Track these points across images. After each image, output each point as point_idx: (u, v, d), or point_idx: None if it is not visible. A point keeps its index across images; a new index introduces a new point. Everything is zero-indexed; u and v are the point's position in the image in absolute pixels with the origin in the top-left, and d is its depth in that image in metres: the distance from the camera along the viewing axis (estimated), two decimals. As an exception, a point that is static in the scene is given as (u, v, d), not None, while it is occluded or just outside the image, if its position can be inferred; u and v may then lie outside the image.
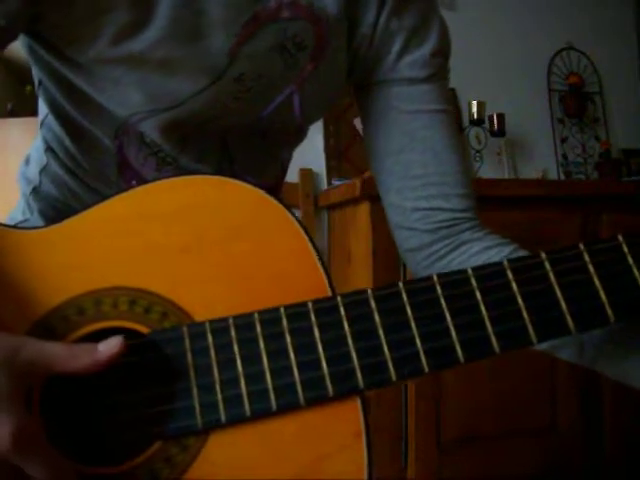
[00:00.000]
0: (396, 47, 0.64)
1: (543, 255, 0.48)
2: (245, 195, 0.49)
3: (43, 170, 0.67)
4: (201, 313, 0.46)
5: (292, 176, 1.99)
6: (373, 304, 0.46)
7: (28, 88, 2.18)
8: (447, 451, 1.61)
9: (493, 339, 0.45)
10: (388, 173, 0.68)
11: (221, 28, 0.54)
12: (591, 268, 0.48)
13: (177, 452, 0.43)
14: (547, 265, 0.48)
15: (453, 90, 2.24)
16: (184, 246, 0.47)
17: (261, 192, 0.49)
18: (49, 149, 0.65)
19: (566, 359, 0.58)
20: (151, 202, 0.48)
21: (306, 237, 0.48)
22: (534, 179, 2.15)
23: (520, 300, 0.46)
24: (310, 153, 2.05)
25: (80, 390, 0.45)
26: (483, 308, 0.46)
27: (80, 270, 0.46)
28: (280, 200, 0.77)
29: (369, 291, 0.46)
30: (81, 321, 0.45)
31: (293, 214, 0.49)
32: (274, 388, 0.43)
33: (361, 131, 2.36)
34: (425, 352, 0.45)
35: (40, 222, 0.67)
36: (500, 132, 2.17)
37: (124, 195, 0.49)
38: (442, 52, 0.67)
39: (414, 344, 0.45)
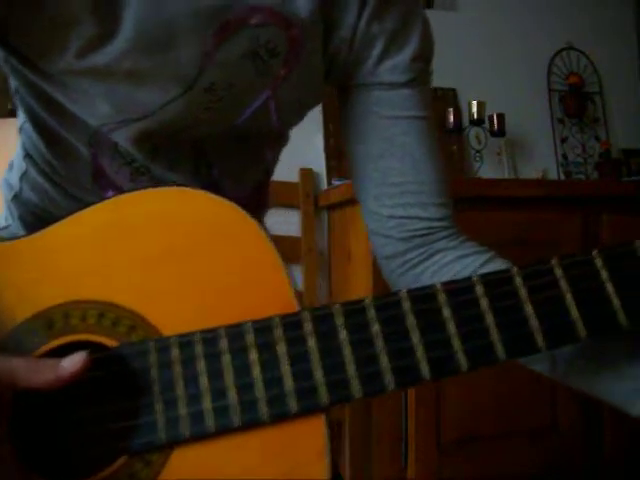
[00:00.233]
0: (376, 51, 0.63)
1: (514, 270, 0.47)
2: (213, 207, 0.48)
3: (23, 176, 0.67)
4: (168, 327, 0.45)
5: (292, 176, 1.99)
6: (340, 319, 0.45)
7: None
8: (447, 451, 1.61)
9: (460, 357, 0.45)
10: (366, 179, 0.67)
11: (190, 38, 0.54)
12: (563, 284, 0.47)
13: (141, 467, 0.43)
14: (518, 280, 0.47)
15: (453, 90, 2.24)
16: (152, 259, 0.47)
17: (229, 204, 0.48)
18: (27, 155, 0.66)
19: (539, 372, 0.58)
20: (119, 215, 0.48)
21: (274, 249, 0.47)
22: (534, 179, 2.15)
23: (489, 317, 0.45)
24: (310, 153, 2.05)
25: (48, 405, 0.45)
26: (451, 325, 0.45)
27: (49, 283, 0.46)
28: (265, 201, 0.77)
29: (336, 306, 0.45)
30: (50, 334, 0.45)
31: (261, 225, 0.48)
32: (238, 404, 0.43)
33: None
34: (391, 370, 0.44)
35: (20, 228, 0.67)
36: (500, 132, 2.17)
37: (93, 208, 0.49)
38: (423, 56, 0.66)
39: (379, 362, 0.44)
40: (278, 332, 0.45)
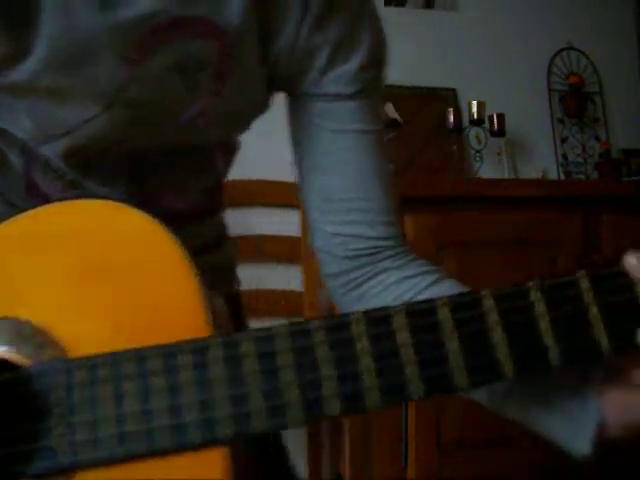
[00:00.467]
0: (320, 61, 0.59)
1: (443, 299, 0.43)
2: (134, 223, 0.46)
3: None
4: (77, 348, 0.44)
5: (292, 176, 1.99)
6: (250, 346, 0.42)
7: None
8: (447, 451, 1.61)
9: (373, 393, 0.42)
10: (311, 192, 0.65)
11: (108, 54, 0.51)
12: (492, 317, 0.43)
13: None
14: (445, 312, 0.43)
15: (453, 90, 2.24)
16: (67, 274, 0.45)
17: (152, 221, 0.46)
18: None
19: (477, 401, 0.56)
20: (38, 227, 0.47)
21: (192, 271, 0.45)
22: (534, 179, 2.15)
23: (407, 352, 0.42)
24: (310, 153, 2.05)
25: None
26: (364, 359, 0.42)
27: None
28: (219, 204, 0.74)
29: (249, 332, 0.43)
30: None
31: (181, 245, 0.46)
32: (141, 431, 0.41)
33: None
34: (292, 404, 0.42)
35: None
36: (500, 132, 2.17)
37: (14, 218, 0.47)
38: (372, 65, 0.61)
39: (283, 395, 0.42)
40: (182, 358, 0.42)
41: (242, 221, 1.79)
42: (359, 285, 0.63)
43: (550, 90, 2.37)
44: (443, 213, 1.65)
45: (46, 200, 0.61)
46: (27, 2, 0.48)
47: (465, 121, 2.18)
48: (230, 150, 0.70)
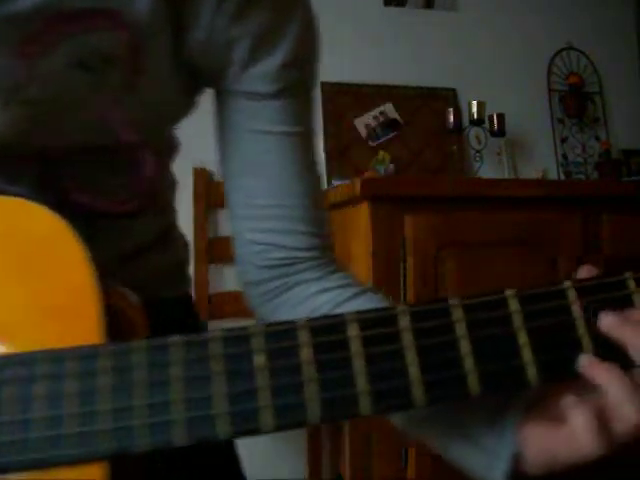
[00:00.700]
0: (239, 55, 0.55)
1: (351, 315, 0.39)
2: (37, 221, 0.44)
3: None
4: None
5: (292, 176, 1.99)
6: (142, 356, 0.39)
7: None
8: (447, 451, 1.61)
9: (266, 414, 0.38)
10: (233, 196, 0.61)
11: (1, 48, 0.47)
12: (407, 337, 0.39)
13: None
14: (353, 329, 0.39)
15: (453, 90, 2.25)
16: None
17: (56, 219, 0.44)
18: None
19: (395, 425, 0.53)
20: None
21: (94, 276, 0.42)
22: (534, 179, 2.15)
23: (308, 369, 0.38)
24: (310, 153, 2.05)
25: None
26: (260, 376, 0.38)
27: None
28: (161, 206, 0.69)
29: (143, 342, 0.39)
30: None
31: (84, 246, 0.44)
32: (17, 441, 0.38)
33: (362, 132, 2.35)
34: (177, 421, 0.38)
35: None
36: (500, 132, 2.17)
37: None
38: (298, 62, 0.57)
39: (169, 411, 0.38)
40: (67, 365, 0.39)
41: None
42: (276, 296, 0.60)
43: (550, 90, 2.37)
44: (443, 213, 1.65)
45: None
46: None
47: (465, 121, 2.18)
48: (161, 150, 0.64)
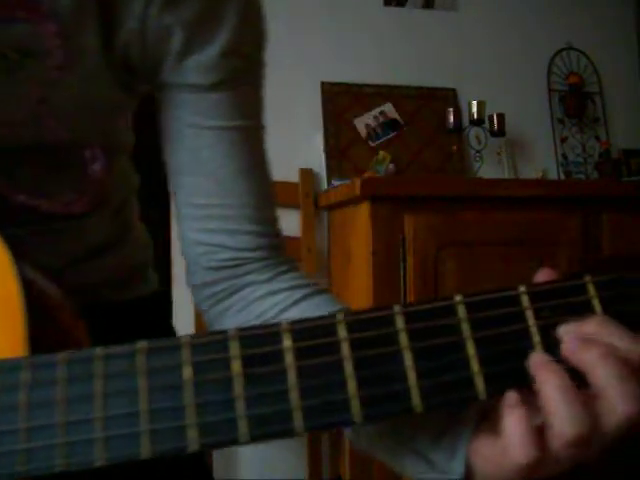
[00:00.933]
0: (175, 46, 0.52)
1: (283, 325, 0.36)
2: None
3: None
4: None
5: (292, 176, 1.99)
6: (63, 370, 0.35)
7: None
8: (447, 451, 1.61)
9: (190, 432, 0.34)
10: (177, 195, 0.58)
11: None
12: (345, 349, 0.35)
13: None
14: (286, 341, 0.35)
15: (453, 90, 2.25)
16: None
17: None
18: None
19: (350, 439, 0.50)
20: None
21: (17, 281, 0.40)
22: (534, 179, 2.15)
23: (237, 385, 0.35)
24: (310, 153, 2.05)
25: None
26: (186, 391, 0.35)
27: None
28: (113, 202, 0.65)
29: (61, 355, 0.36)
30: None
31: (11, 256, 0.41)
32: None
33: (362, 132, 2.35)
34: (100, 440, 0.34)
35: None
36: (500, 132, 2.17)
37: None
38: (238, 52, 0.54)
39: (92, 430, 0.34)
40: None
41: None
42: (221, 300, 0.58)
43: (550, 90, 2.37)
44: (443, 213, 1.65)
45: None
46: None
47: (465, 121, 2.18)
48: (111, 148, 0.61)
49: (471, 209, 1.67)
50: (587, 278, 0.38)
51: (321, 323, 0.36)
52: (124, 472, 0.36)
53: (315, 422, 0.35)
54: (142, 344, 0.35)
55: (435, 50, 2.25)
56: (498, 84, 2.27)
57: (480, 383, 0.36)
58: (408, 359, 0.36)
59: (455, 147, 2.19)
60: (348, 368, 0.35)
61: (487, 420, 0.40)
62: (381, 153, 2.10)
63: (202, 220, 0.57)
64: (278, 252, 0.59)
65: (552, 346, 0.37)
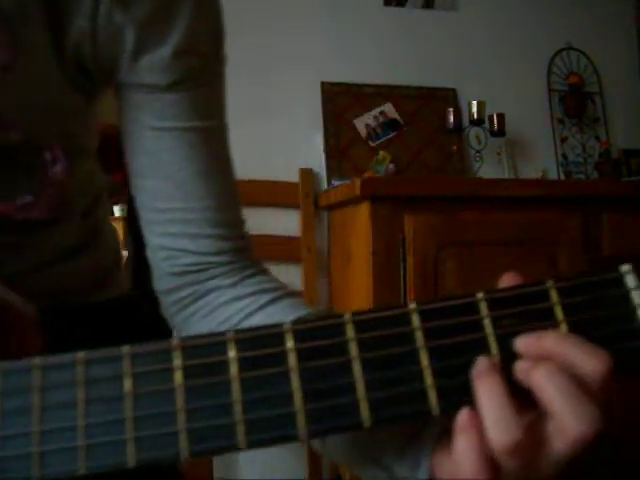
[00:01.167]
0: (129, 45, 0.51)
1: (229, 335, 0.34)
2: None
3: None
4: None
5: (292, 176, 1.99)
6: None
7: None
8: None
9: (129, 447, 0.32)
10: (138, 199, 0.57)
11: None
12: (291, 359, 0.33)
13: None
14: (231, 351, 0.34)
15: (453, 90, 2.25)
16: None
17: None
18: None
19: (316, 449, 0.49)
20: None
21: None
22: (534, 179, 2.16)
23: (180, 397, 0.33)
24: (310, 153, 2.05)
25: None
26: (127, 405, 0.33)
27: None
28: (78, 207, 0.62)
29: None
30: None
31: None
32: None
33: (362, 132, 2.35)
34: (36, 454, 0.32)
35: None
36: (500, 132, 2.17)
37: None
38: (193, 52, 0.53)
39: (29, 443, 0.32)
40: None
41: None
42: (187, 305, 0.57)
43: (550, 90, 2.37)
44: (443, 213, 1.65)
45: None
46: None
47: (465, 121, 2.18)
48: (72, 151, 0.58)
49: (471, 209, 1.67)
50: (549, 284, 0.36)
51: (268, 332, 0.34)
52: None
53: (258, 437, 0.33)
54: (81, 354, 0.33)
55: (435, 50, 2.25)
56: (498, 84, 2.27)
57: (433, 397, 0.34)
58: (357, 370, 0.33)
59: (455, 147, 2.19)
60: (294, 380, 0.33)
61: (447, 434, 0.38)
62: (381, 153, 2.10)
63: (164, 224, 0.56)
64: (244, 255, 0.57)
65: (510, 358, 0.34)
